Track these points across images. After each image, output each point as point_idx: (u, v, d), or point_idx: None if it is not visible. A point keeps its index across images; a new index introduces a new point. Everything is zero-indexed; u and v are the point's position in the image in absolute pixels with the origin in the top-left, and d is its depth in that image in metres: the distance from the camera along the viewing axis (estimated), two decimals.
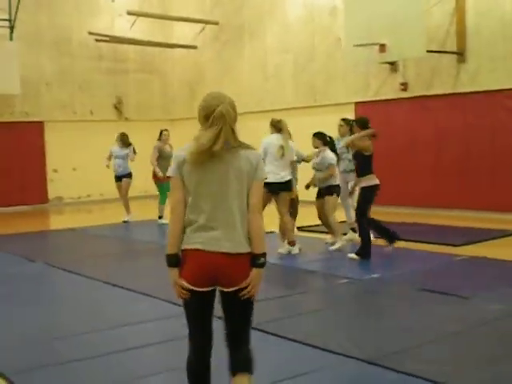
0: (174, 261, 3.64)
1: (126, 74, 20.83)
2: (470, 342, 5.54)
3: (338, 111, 13.30)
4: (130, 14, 18.93)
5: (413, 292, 7.26)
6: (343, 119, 11.14)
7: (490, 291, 7.16)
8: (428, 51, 13.17)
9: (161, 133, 14.11)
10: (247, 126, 18.61)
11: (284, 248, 10.00)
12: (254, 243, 3.62)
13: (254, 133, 18.77)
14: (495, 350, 5.32)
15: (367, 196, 9.44)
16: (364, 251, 9.35)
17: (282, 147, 9.66)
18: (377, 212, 14.28)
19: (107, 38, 19.59)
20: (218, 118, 3.60)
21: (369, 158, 9.52)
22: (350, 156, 10.52)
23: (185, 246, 3.62)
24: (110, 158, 14.65)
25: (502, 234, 11.08)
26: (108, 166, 14.59)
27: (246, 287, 3.58)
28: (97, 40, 19.46)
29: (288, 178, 9.71)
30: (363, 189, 9.45)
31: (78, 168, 19.28)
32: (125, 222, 14.45)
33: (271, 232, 10.66)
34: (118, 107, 20.53)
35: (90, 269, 9.22)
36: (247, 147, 3.69)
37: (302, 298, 7.39)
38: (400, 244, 10.17)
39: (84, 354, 5.48)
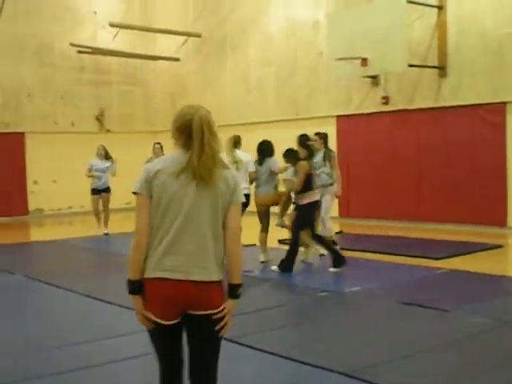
0: (137, 287, 3.27)
1: (108, 85, 20.78)
2: (449, 355, 5.52)
3: (320, 124, 13.30)
4: (112, 25, 18.90)
5: (393, 305, 7.26)
6: (316, 133, 11.04)
7: (471, 304, 7.17)
8: (409, 65, 13.26)
9: (154, 146, 13.96)
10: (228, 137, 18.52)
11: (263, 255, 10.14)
12: (232, 272, 3.33)
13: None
14: (475, 364, 5.31)
15: (307, 213, 9.52)
16: (285, 263, 9.45)
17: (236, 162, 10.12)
18: (359, 225, 14.38)
19: (89, 50, 19.54)
20: (197, 126, 3.25)
21: (308, 176, 9.49)
22: (327, 170, 10.53)
23: (150, 274, 3.24)
24: (90, 170, 14.51)
25: (483, 248, 11.12)
26: (93, 177, 14.51)
27: (218, 312, 3.27)
28: (79, 52, 19.39)
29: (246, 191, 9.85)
30: (304, 206, 9.48)
31: (58, 180, 19.15)
32: (106, 234, 14.36)
33: (253, 245, 10.67)
34: (99, 119, 20.45)
35: (71, 281, 9.15)
36: (223, 166, 3.36)
37: (281, 311, 7.37)
38: (380, 257, 10.18)
39: (64, 366, 5.43)
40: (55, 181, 19.16)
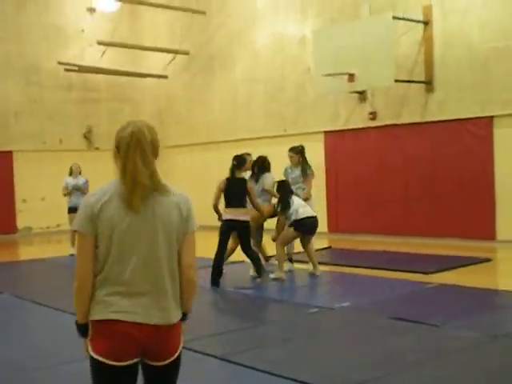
0: (85, 331, 2.98)
1: (96, 103, 20.78)
2: (439, 370, 5.52)
3: (308, 140, 13.35)
4: (100, 43, 18.91)
5: (383, 320, 7.24)
6: (291, 149, 10.99)
7: (460, 319, 7.17)
8: (396, 80, 13.32)
9: None
10: (217, 156, 18.70)
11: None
12: (186, 305, 3.09)
13: (223, 162, 18.82)
14: (465, 379, 5.31)
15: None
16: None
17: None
18: (347, 240, 14.38)
19: (77, 68, 19.54)
20: (130, 141, 2.89)
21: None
22: (304, 185, 10.54)
23: (100, 316, 2.91)
24: (67, 189, 14.37)
25: (473, 261, 11.13)
26: (69, 195, 14.40)
27: (177, 358, 3.04)
28: (66, 70, 19.39)
29: None
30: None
31: (47, 198, 19.08)
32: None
33: (241, 261, 10.67)
34: (87, 136, 20.43)
35: (60, 300, 9.08)
36: (167, 190, 3.00)
37: (272, 327, 7.33)
38: (369, 272, 10.19)
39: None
40: (44, 199, 19.09)
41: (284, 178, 10.58)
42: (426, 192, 14.11)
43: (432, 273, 10.14)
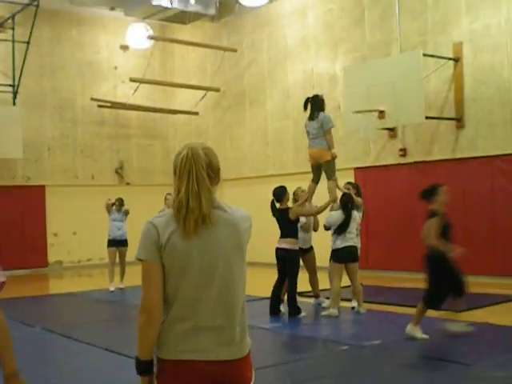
0: (149, 368, 2.79)
1: (128, 139, 21.02)
2: None
3: (338, 176, 13.35)
4: (132, 80, 19.18)
5: (414, 359, 7.19)
6: (349, 183, 11.24)
7: (492, 358, 7.08)
8: (427, 117, 13.33)
9: (165, 197, 13.73)
10: (247, 190, 18.77)
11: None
12: None
13: (253, 197, 18.85)
14: None
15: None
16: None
17: None
18: (378, 277, 14.29)
19: (109, 104, 19.84)
20: (183, 164, 2.75)
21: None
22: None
23: (170, 356, 2.75)
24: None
25: (504, 300, 11.01)
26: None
27: None
28: (99, 106, 19.70)
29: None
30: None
31: (78, 232, 19.27)
32: (121, 289, 14.05)
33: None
34: (119, 172, 20.64)
35: (90, 335, 9.15)
36: (230, 210, 2.86)
37: (303, 365, 7.29)
38: (401, 310, 10.11)
39: None
40: (75, 233, 19.29)
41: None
42: (456, 229, 13.93)
43: (464, 311, 10.02)
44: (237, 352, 2.78)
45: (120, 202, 14.53)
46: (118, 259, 14.31)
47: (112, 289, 13.89)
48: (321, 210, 10.44)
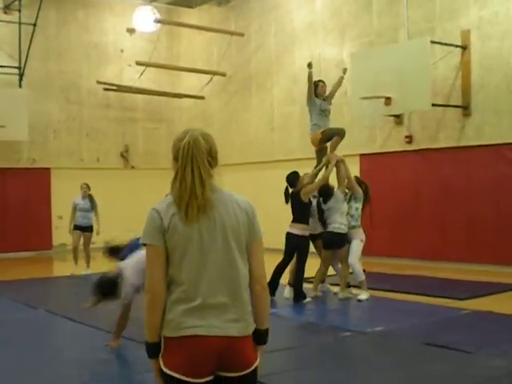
0: (157, 350, 2.89)
1: (133, 122, 21.01)
2: None
3: None
4: (138, 64, 19.13)
5: (416, 346, 7.19)
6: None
7: (494, 347, 7.08)
8: (433, 105, 13.28)
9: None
10: (253, 176, 18.77)
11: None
12: (262, 317, 3.03)
13: (259, 182, 18.85)
14: None
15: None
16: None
17: None
18: (382, 264, 14.29)
19: (115, 87, 19.81)
20: (186, 151, 2.87)
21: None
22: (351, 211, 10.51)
23: (175, 333, 2.83)
24: (75, 209, 14.20)
25: (507, 288, 11.00)
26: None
27: (253, 371, 2.95)
28: (105, 89, 19.67)
29: None
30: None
31: None
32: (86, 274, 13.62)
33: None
34: (124, 155, 20.64)
35: (93, 317, 9.15)
36: (231, 195, 3.01)
37: (305, 351, 7.31)
38: (404, 297, 10.12)
39: None
40: None
41: None
42: (461, 217, 13.99)
43: (467, 299, 10.04)
44: (241, 329, 2.88)
45: (85, 188, 14.40)
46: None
47: (75, 273, 13.88)
48: (326, 176, 10.38)
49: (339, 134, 10.85)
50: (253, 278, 2.97)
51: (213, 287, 2.85)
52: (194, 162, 2.86)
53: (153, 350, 2.90)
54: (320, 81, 11.14)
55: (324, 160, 10.62)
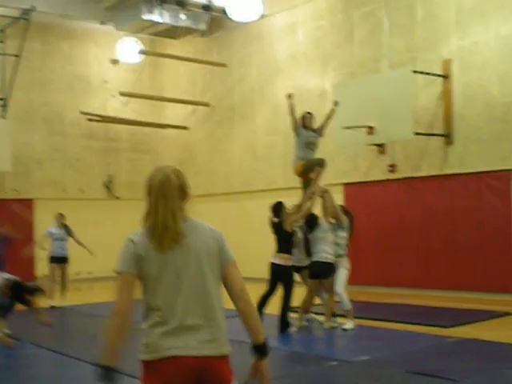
0: (112, 376, 2.95)
1: (117, 153, 21.02)
2: None
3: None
4: (122, 94, 19.21)
5: (402, 375, 7.18)
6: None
7: (480, 374, 7.10)
8: (415, 133, 13.39)
9: None
10: (236, 205, 18.78)
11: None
12: (256, 331, 3.11)
13: (242, 211, 18.89)
14: None
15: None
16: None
17: None
18: (366, 292, 14.30)
19: (99, 118, 19.85)
20: (158, 188, 3.05)
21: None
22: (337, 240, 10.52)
23: (156, 355, 2.95)
24: (45, 238, 14.16)
25: (492, 316, 11.05)
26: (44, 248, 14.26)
27: None
28: (89, 119, 19.70)
29: None
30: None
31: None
32: (61, 307, 13.64)
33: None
34: (108, 186, 20.61)
35: (78, 349, 9.10)
36: (203, 225, 3.16)
37: (291, 381, 7.28)
38: (389, 325, 10.13)
39: None
40: None
41: None
42: (444, 245, 14.05)
43: (452, 326, 10.06)
44: (215, 349, 3.00)
45: (60, 218, 14.30)
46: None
47: (53, 304, 13.68)
48: (310, 206, 10.42)
49: (319, 164, 10.91)
50: (234, 295, 3.10)
51: (187, 310, 2.98)
52: (166, 197, 3.03)
53: (108, 375, 2.95)
54: (308, 113, 11.22)
55: (308, 191, 10.68)
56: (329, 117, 11.43)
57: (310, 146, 11.03)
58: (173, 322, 2.96)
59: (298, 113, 11.26)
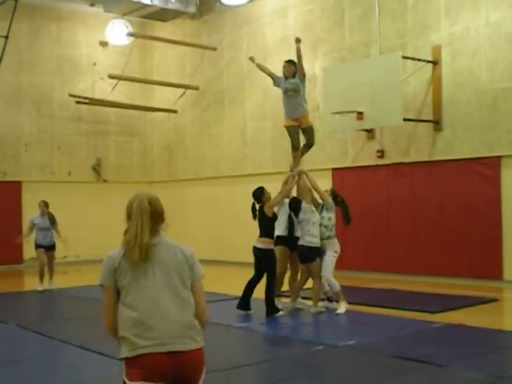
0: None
1: (105, 136, 20.93)
2: None
3: (316, 177, 13.38)
4: (111, 77, 19.10)
5: (388, 360, 7.20)
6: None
7: (466, 359, 7.12)
8: (404, 119, 13.39)
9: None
10: (224, 190, 18.76)
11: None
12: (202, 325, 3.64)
13: (231, 195, 18.87)
14: None
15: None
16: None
17: None
18: (353, 277, 14.34)
19: (88, 101, 19.74)
20: (135, 211, 3.55)
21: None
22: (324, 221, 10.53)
23: (133, 353, 3.39)
24: (31, 229, 14.03)
25: (479, 301, 11.09)
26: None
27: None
28: (77, 102, 19.60)
29: None
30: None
31: None
32: (50, 290, 13.71)
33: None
34: (96, 169, 20.54)
35: (64, 332, 9.09)
36: (172, 244, 3.63)
37: (276, 365, 7.28)
38: (377, 310, 10.16)
39: None
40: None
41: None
42: (433, 231, 14.09)
43: (438, 312, 10.10)
44: (190, 344, 3.43)
45: (43, 206, 14.09)
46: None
47: (41, 289, 13.69)
48: (288, 189, 10.58)
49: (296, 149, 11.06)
50: (196, 312, 3.55)
51: (163, 312, 3.42)
52: (140, 219, 3.51)
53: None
54: (285, 61, 11.20)
55: (288, 176, 10.75)
56: (298, 56, 11.15)
57: (287, 92, 11.01)
58: (148, 322, 3.40)
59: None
